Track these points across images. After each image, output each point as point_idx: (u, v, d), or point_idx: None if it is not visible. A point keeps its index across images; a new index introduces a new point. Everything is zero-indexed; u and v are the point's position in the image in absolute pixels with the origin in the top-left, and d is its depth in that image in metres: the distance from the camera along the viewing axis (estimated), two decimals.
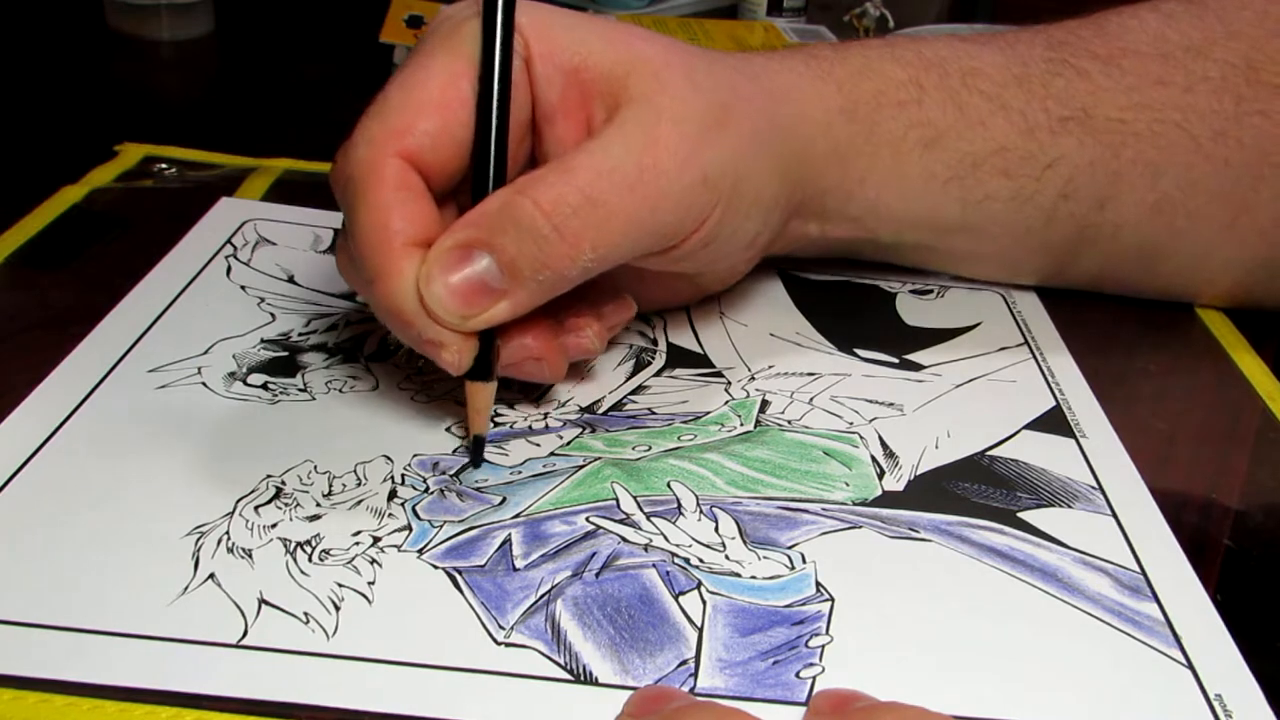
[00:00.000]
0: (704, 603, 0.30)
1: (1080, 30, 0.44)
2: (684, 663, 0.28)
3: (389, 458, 0.34)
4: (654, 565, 0.31)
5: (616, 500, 0.33)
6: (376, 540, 0.31)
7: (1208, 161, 0.42)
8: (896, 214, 0.42)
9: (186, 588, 0.29)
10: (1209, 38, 0.43)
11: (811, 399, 0.39)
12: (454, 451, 0.35)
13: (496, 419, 0.37)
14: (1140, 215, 0.43)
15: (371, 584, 0.30)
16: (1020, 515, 0.34)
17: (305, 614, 0.29)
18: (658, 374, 0.40)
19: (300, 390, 0.37)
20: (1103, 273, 0.46)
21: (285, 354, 0.39)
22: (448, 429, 0.36)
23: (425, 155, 0.32)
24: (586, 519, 0.33)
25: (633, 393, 0.39)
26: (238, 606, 0.28)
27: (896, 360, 0.42)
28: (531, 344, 0.34)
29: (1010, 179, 0.42)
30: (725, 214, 0.35)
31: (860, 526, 0.33)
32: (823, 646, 0.29)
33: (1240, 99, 0.42)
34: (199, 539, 0.31)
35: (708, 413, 0.38)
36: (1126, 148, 0.42)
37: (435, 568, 0.30)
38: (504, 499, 0.33)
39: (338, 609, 0.29)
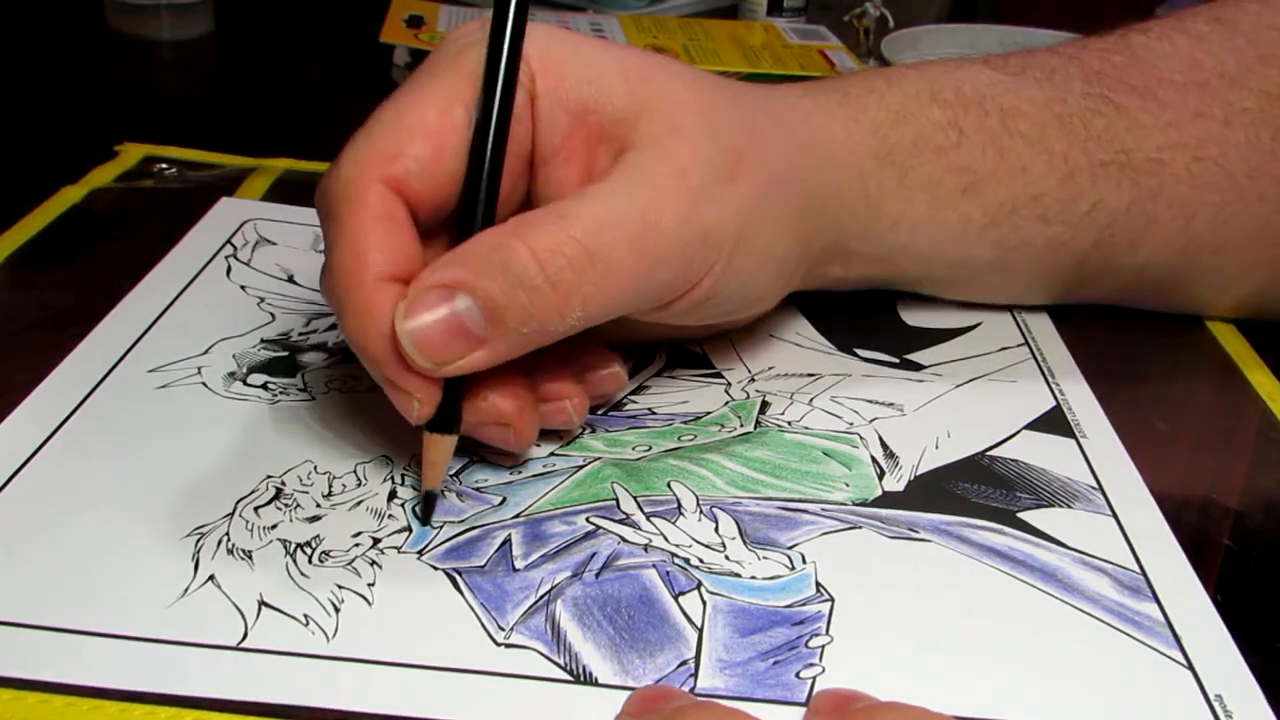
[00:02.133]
0: (704, 603, 0.30)
1: (1112, 56, 0.42)
2: (684, 663, 0.28)
3: (389, 458, 0.34)
4: (654, 565, 0.31)
5: (616, 500, 0.33)
6: (376, 541, 0.31)
7: (1241, 199, 0.42)
8: (927, 255, 0.41)
9: (187, 589, 0.29)
10: (1243, 64, 0.42)
11: (811, 399, 0.39)
12: (454, 451, 0.35)
13: None
14: (1168, 255, 0.43)
15: (371, 585, 0.30)
16: (1020, 515, 0.34)
17: (305, 616, 0.29)
18: (658, 374, 0.40)
19: (300, 390, 0.37)
20: (1118, 298, 0.46)
21: (285, 354, 0.39)
22: None
23: (413, 183, 0.31)
24: (586, 519, 0.33)
25: (633, 393, 0.39)
26: (238, 608, 0.28)
27: (896, 360, 0.42)
28: (501, 405, 0.32)
29: (1047, 225, 0.41)
30: (726, 272, 0.33)
31: (860, 527, 0.33)
32: (823, 647, 0.29)
33: (1277, 132, 0.41)
34: (199, 540, 0.31)
35: (708, 413, 0.38)
36: (1164, 190, 0.41)
37: (435, 569, 0.30)
38: (504, 499, 0.33)
39: (338, 611, 0.29)
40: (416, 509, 0.32)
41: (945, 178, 0.39)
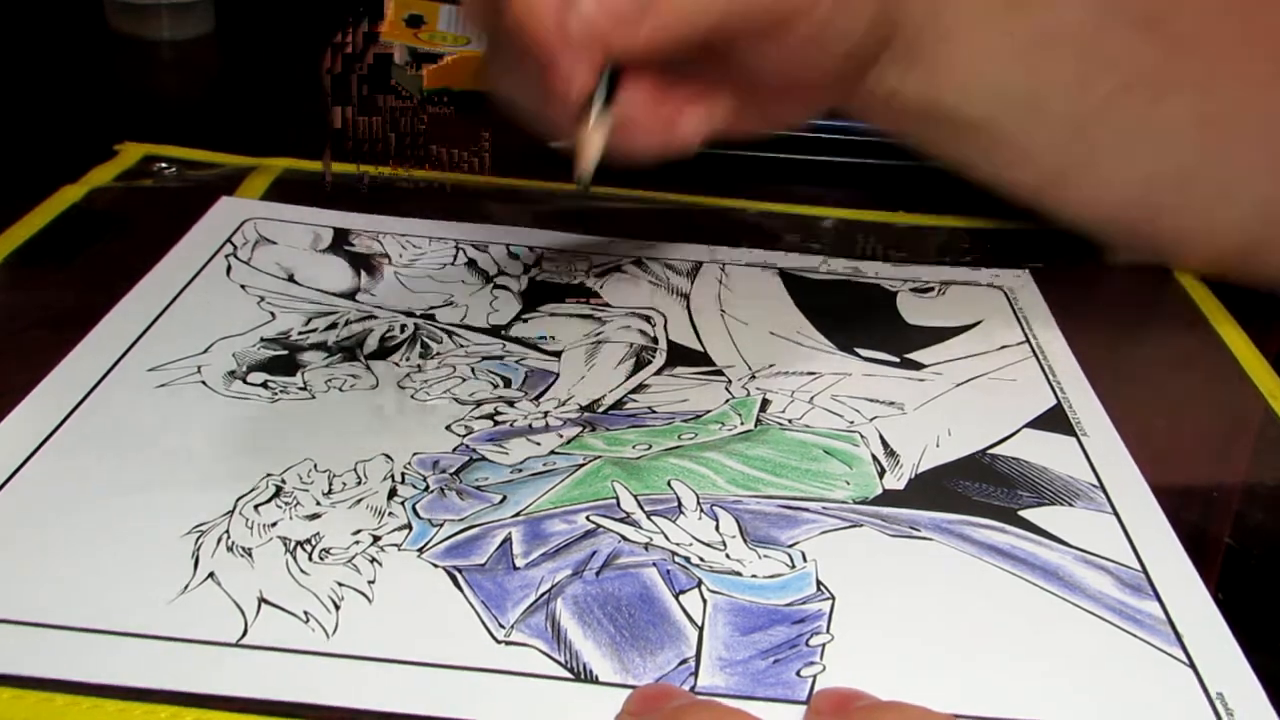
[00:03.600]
0: (704, 601, 0.30)
1: None
2: (684, 661, 0.28)
3: (389, 456, 0.34)
4: (654, 564, 0.31)
5: (617, 499, 0.33)
6: (376, 539, 0.31)
7: (1266, 89, 0.44)
8: (968, 74, 0.43)
9: (186, 587, 0.29)
10: None
11: (812, 398, 0.39)
12: (453, 450, 0.35)
13: (497, 418, 0.37)
14: (1186, 127, 0.45)
15: (371, 583, 0.30)
16: (1021, 514, 0.34)
17: (305, 613, 0.28)
18: (658, 372, 0.40)
19: (300, 389, 0.37)
20: (1143, 192, 0.47)
21: (285, 352, 0.39)
22: (447, 427, 0.36)
23: None
24: (587, 518, 0.33)
25: (633, 391, 0.39)
26: (238, 605, 0.28)
27: (897, 359, 0.42)
28: (638, 110, 0.35)
29: (1079, 62, 0.44)
30: (835, 6, 0.36)
31: (861, 525, 0.33)
32: (823, 645, 0.29)
33: None
34: (199, 538, 0.30)
35: (708, 411, 0.38)
36: (1190, 65, 0.44)
37: (435, 566, 0.30)
38: (504, 498, 0.33)
39: (338, 608, 0.29)
40: (410, 509, 0.32)
41: None
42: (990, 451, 0.37)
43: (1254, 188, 0.46)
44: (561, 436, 0.36)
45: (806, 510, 0.34)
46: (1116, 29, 0.43)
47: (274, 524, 0.31)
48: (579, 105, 0.33)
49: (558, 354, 0.41)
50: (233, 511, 0.32)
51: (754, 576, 0.31)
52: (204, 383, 0.37)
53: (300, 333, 0.40)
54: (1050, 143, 0.46)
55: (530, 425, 0.37)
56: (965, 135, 0.46)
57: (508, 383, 0.39)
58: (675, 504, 0.33)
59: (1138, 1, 0.44)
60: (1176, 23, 0.44)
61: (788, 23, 0.36)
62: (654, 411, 0.38)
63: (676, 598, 0.30)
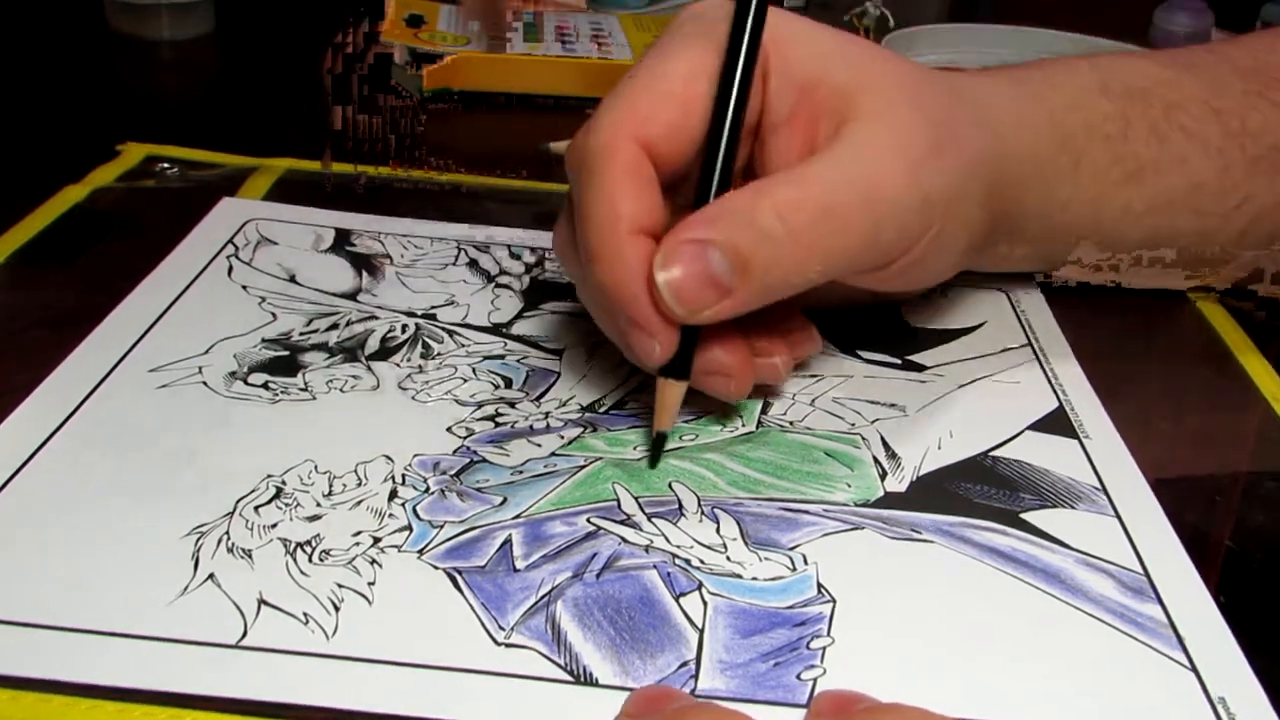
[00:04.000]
0: (705, 604, 0.30)
1: (1267, 57, 0.44)
2: (685, 664, 0.28)
3: (389, 458, 0.34)
4: (655, 566, 0.31)
5: (617, 501, 0.33)
6: (377, 541, 0.31)
7: None
8: (1087, 237, 0.43)
9: (186, 588, 0.29)
10: None
11: (813, 400, 0.39)
12: (454, 451, 0.35)
13: (498, 419, 0.37)
14: None
15: (371, 584, 0.30)
16: (1023, 516, 0.34)
17: (305, 614, 0.28)
18: None
19: (301, 390, 0.37)
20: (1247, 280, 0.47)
21: (286, 353, 0.39)
22: (448, 429, 0.36)
23: (659, 145, 0.33)
24: (587, 520, 0.32)
25: (634, 392, 0.39)
26: (237, 607, 0.28)
27: (899, 361, 0.42)
28: (724, 358, 0.35)
29: (1199, 217, 0.43)
30: (936, 238, 0.35)
31: (862, 528, 0.33)
32: (824, 648, 0.29)
33: None
34: (199, 539, 0.30)
35: (709, 412, 0.38)
36: None
37: (435, 568, 0.30)
38: (505, 499, 0.33)
39: (337, 609, 0.29)
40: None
41: (1112, 166, 0.42)
42: (992, 454, 0.37)
43: None
44: (563, 438, 0.36)
45: (807, 513, 0.34)
46: (1237, 172, 0.42)
47: (274, 525, 0.31)
48: (660, 364, 0.34)
49: (559, 353, 0.41)
50: (233, 513, 0.31)
51: (755, 579, 0.31)
52: (205, 383, 0.37)
53: (301, 333, 0.40)
54: (1163, 275, 0.46)
55: (531, 426, 0.37)
56: (1077, 272, 0.47)
57: (509, 383, 0.39)
58: (676, 506, 0.33)
59: (1253, 139, 0.43)
60: None
61: (884, 267, 0.35)
62: None
63: (677, 600, 0.30)
